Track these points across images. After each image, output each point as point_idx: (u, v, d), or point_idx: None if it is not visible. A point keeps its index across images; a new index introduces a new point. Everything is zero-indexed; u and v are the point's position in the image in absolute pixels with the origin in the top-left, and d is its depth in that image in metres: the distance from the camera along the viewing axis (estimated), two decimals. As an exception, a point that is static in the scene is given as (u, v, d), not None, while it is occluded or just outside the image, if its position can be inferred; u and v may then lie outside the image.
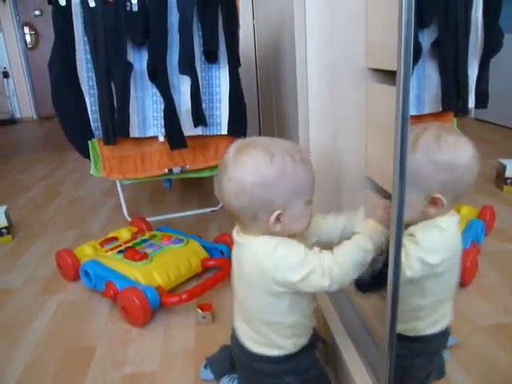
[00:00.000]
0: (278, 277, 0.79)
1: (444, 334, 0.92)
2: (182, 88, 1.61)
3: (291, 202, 0.79)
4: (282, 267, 0.79)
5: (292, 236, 0.84)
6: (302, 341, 0.91)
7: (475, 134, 3.46)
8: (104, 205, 2.49)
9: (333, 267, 0.80)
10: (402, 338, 0.82)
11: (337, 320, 1.16)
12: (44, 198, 2.70)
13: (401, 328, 0.78)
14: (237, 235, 0.85)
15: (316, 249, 0.83)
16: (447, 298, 0.91)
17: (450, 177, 0.81)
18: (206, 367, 1.10)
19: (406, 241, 0.78)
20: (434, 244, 0.82)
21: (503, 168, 2.26)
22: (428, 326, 0.90)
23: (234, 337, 0.95)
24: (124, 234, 1.78)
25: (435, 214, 0.83)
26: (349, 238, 0.85)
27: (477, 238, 1.62)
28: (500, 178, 2.29)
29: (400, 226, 0.70)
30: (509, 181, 2.25)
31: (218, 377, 1.08)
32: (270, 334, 0.87)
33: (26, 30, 5.91)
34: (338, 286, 0.81)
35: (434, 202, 0.82)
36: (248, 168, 0.77)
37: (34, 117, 6.15)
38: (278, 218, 0.79)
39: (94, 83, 1.56)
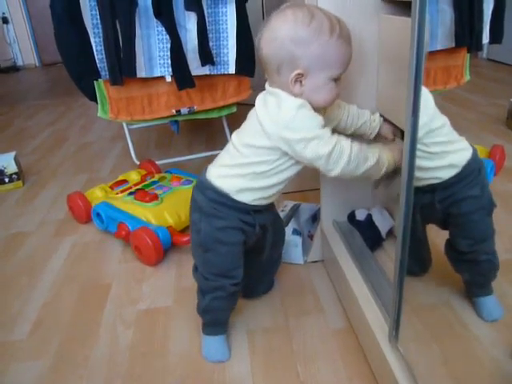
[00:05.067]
0: (286, 132, 0.84)
1: (476, 159, 0.97)
2: (189, 25, 1.56)
3: (314, 69, 0.84)
4: (294, 125, 0.83)
5: (316, 111, 0.88)
6: (246, 196, 0.93)
7: (487, 74, 3.38)
8: (112, 149, 2.49)
9: (342, 140, 0.85)
10: (450, 184, 0.95)
11: (340, 243, 1.19)
12: (52, 143, 2.70)
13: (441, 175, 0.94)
14: (268, 86, 0.90)
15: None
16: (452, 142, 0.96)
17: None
18: None
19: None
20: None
21: (515, 108, 2.22)
22: (456, 158, 0.95)
23: (200, 175, 0.98)
24: (133, 176, 1.79)
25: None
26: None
27: (486, 176, 1.62)
28: (511, 119, 2.25)
29: (412, 159, 0.70)
30: (520, 121, 2.21)
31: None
32: (238, 168, 0.91)
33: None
34: (335, 161, 0.84)
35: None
36: (287, 22, 0.83)
37: (37, 64, 6.04)
38: (299, 80, 0.84)
39: (99, 21, 1.51)
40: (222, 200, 0.92)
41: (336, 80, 0.87)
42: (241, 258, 0.99)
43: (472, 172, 0.95)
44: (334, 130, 1.02)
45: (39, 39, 5.84)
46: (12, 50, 5.88)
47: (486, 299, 1.06)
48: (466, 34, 1.48)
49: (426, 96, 0.89)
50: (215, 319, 1.04)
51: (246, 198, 0.93)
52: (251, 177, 0.90)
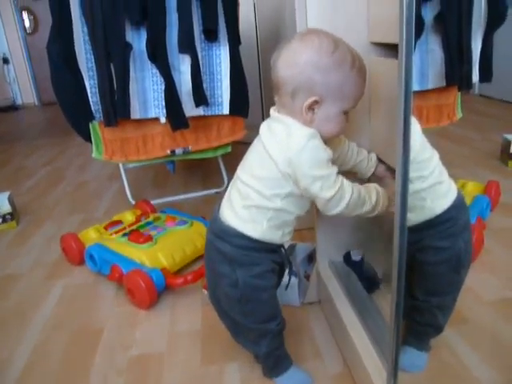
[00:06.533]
0: (295, 162, 0.82)
1: (458, 206, 0.92)
2: (182, 68, 1.59)
3: (329, 99, 0.83)
4: (304, 156, 0.82)
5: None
6: (275, 234, 0.90)
7: (479, 109, 3.43)
8: (108, 189, 2.48)
9: (345, 185, 0.85)
10: (420, 228, 0.89)
11: (336, 285, 1.17)
12: (48, 183, 2.70)
13: (412, 217, 0.82)
14: (274, 112, 0.89)
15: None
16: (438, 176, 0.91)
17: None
18: None
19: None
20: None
21: (508, 143, 2.24)
22: (435, 203, 0.90)
23: (216, 222, 0.93)
24: (128, 216, 1.78)
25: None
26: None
27: (482, 213, 1.61)
28: (505, 154, 2.28)
29: (404, 198, 0.69)
30: (514, 156, 2.23)
31: None
32: (255, 208, 0.87)
33: (25, 14, 5.86)
34: (333, 205, 0.85)
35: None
36: (311, 47, 0.81)
37: (36, 103, 6.13)
38: (312, 108, 0.83)
39: (93, 64, 1.53)
40: (253, 245, 0.89)
41: (345, 113, 0.86)
42: (277, 298, 0.98)
43: (447, 221, 0.91)
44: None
45: (39, 79, 5.94)
46: (12, 89, 5.97)
47: (415, 352, 1.04)
48: (456, 74, 1.50)
49: (413, 125, 0.89)
50: (278, 356, 1.03)
51: (275, 238, 0.90)
52: (272, 215, 0.87)
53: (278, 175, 0.84)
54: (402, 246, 0.72)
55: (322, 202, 0.85)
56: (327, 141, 0.89)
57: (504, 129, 2.61)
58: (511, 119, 3.19)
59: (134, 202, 2.03)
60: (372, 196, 0.89)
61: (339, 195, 0.84)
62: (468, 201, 1.60)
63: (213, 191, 2.19)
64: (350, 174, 1.03)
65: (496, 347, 1.08)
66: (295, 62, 0.82)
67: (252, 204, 0.87)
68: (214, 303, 1.01)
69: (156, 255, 1.45)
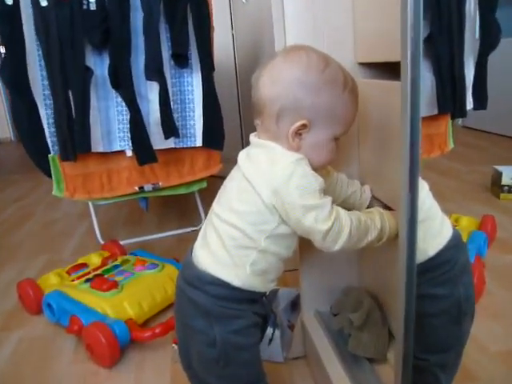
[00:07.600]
0: (283, 192, 0.71)
1: (455, 246, 0.80)
2: (151, 96, 1.47)
3: (319, 123, 0.73)
4: (293, 184, 0.71)
5: None
6: (258, 281, 0.77)
7: (465, 141, 3.42)
8: (78, 227, 2.33)
9: (342, 216, 0.73)
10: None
11: (323, 339, 1.04)
12: (16, 220, 2.54)
13: None
14: (254, 137, 0.79)
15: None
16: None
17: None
18: None
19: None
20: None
21: (499, 175, 2.18)
22: (427, 243, 0.76)
23: (189, 266, 0.80)
24: (94, 259, 1.63)
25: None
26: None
27: (480, 250, 1.51)
28: (496, 186, 2.21)
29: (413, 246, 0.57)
30: (505, 188, 2.17)
31: None
32: (235, 249, 0.75)
33: (3, 49, 5.77)
34: (333, 239, 0.72)
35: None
36: (299, 63, 0.73)
37: (12, 138, 5.99)
38: (299, 132, 0.73)
39: (50, 92, 1.41)
40: (232, 294, 0.76)
41: (336, 140, 0.77)
42: (260, 357, 0.84)
43: (442, 264, 0.78)
44: None
45: (15, 114, 5.81)
46: (-14, 124, 5.82)
47: None
48: (448, 101, 1.42)
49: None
50: None
51: (258, 285, 0.78)
52: (255, 257, 0.75)
53: (262, 209, 0.73)
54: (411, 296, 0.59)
55: (319, 236, 0.71)
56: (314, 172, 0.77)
57: (491, 160, 2.57)
58: (497, 151, 3.19)
59: (103, 242, 1.88)
60: (375, 220, 0.76)
61: (337, 227, 0.71)
62: (464, 237, 1.49)
63: (189, 229, 2.06)
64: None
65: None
66: (280, 80, 0.72)
67: (232, 244, 0.74)
68: (184, 365, 0.85)
69: (121, 304, 1.30)
